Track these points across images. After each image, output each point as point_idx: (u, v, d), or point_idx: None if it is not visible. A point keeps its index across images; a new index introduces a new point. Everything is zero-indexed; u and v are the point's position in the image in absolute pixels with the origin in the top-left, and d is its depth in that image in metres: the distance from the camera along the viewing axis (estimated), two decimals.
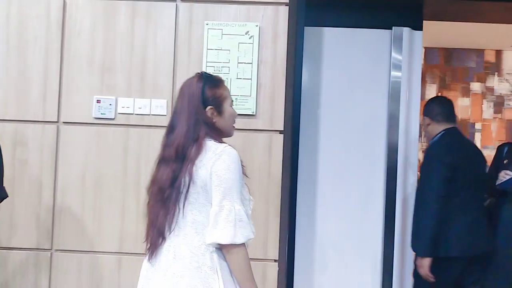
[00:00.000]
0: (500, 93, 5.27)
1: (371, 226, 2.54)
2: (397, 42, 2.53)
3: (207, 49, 1.88)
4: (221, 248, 1.20)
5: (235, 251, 1.19)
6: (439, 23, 3.01)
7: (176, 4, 1.92)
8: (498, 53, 5.29)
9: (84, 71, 1.94)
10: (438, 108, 2.19)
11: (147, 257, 1.29)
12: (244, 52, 1.87)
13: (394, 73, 2.54)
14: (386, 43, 2.56)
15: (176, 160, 1.22)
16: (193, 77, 1.31)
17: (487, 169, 2.19)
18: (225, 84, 1.37)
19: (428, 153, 2.13)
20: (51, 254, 1.92)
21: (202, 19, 1.90)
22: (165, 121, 1.89)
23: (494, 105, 5.26)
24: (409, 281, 2.50)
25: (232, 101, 1.40)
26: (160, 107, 1.90)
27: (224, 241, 1.16)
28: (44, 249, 1.92)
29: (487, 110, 5.26)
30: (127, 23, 1.93)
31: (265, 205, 1.87)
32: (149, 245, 1.28)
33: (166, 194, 1.22)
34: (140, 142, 1.91)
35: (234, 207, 1.18)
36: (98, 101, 1.92)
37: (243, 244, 1.19)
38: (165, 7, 1.93)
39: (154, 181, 1.30)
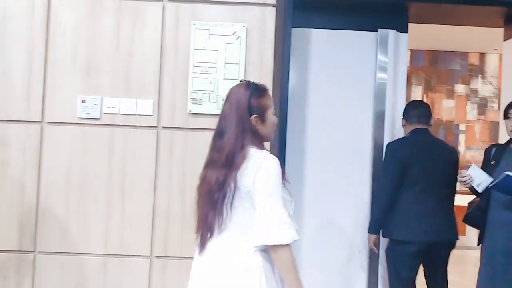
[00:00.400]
0: (484, 95, 5.39)
1: (358, 225, 2.57)
2: (382, 44, 2.56)
3: (194, 49, 1.87)
4: (267, 250, 1.27)
5: (281, 251, 1.26)
6: (425, 26, 3.06)
7: (163, 4, 1.91)
8: (482, 56, 5.41)
9: (68, 70, 1.92)
10: (412, 110, 2.35)
11: (197, 251, 1.39)
12: (231, 52, 1.87)
13: (379, 75, 2.57)
14: (372, 45, 2.58)
15: (225, 166, 1.31)
16: (240, 85, 1.40)
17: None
18: (269, 93, 1.44)
19: (386, 149, 2.34)
20: (34, 256, 1.89)
21: (189, 19, 1.89)
22: (152, 121, 1.89)
23: (478, 107, 5.38)
24: None
25: (274, 109, 1.47)
26: (146, 107, 1.88)
27: (271, 242, 1.24)
28: (27, 251, 1.89)
29: (471, 111, 5.37)
30: (113, 22, 1.92)
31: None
32: (200, 240, 1.37)
33: (216, 197, 1.31)
34: (126, 142, 1.89)
35: (278, 210, 1.26)
36: (83, 101, 1.90)
37: (288, 245, 1.26)
38: (152, 7, 1.91)
39: (203, 182, 1.39)
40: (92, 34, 1.92)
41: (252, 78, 1.87)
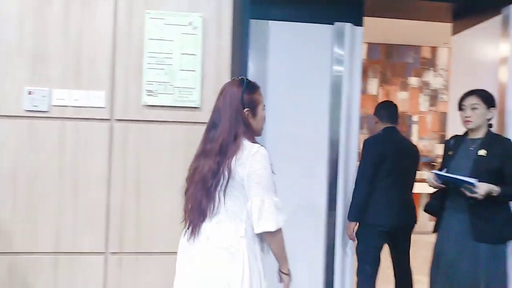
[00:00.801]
0: (435, 87, 5.65)
1: (315, 214, 2.63)
2: (339, 37, 2.61)
3: (149, 39, 1.81)
4: (254, 236, 1.41)
5: (277, 234, 1.42)
6: (380, 19, 3.14)
7: None
8: (433, 49, 5.65)
9: (13, 60, 1.80)
10: (384, 111, 2.63)
11: (186, 236, 1.49)
12: (187, 43, 1.83)
13: (336, 67, 2.62)
14: (329, 38, 2.63)
15: (218, 155, 1.40)
16: (234, 81, 1.52)
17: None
18: (260, 90, 1.54)
19: (364, 144, 2.56)
20: None
21: (143, 7, 1.83)
22: (104, 114, 1.82)
23: (430, 99, 5.64)
24: (350, 270, 2.63)
25: (264, 105, 1.56)
26: (98, 99, 1.81)
27: (272, 228, 1.37)
28: None
29: (423, 103, 5.62)
30: (62, 10, 1.81)
31: None
32: (190, 225, 1.47)
33: (209, 184, 1.41)
34: (77, 136, 1.81)
35: (273, 199, 1.40)
36: (30, 93, 1.79)
37: (280, 229, 1.41)
38: None
39: (195, 171, 1.47)
40: (39, 22, 1.81)
41: (209, 69, 1.86)
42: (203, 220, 1.44)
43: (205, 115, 1.84)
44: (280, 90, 2.61)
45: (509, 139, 2.13)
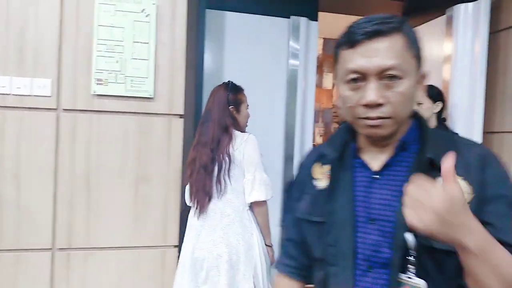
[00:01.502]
0: None
1: (271, 207, 2.66)
2: (294, 31, 2.64)
3: (98, 25, 1.73)
4: (251, 205, 1.79)
5: (264, 205, 1.79)
6: (336, 15, 3.22)
7: None
8: None
9: None
10: None
11: (195, 215, 1.79)
12: (140, 31, 1.77)
13: (291, 61, 2.65)
14: (285, 31, 2.65)
15: (212, 144, 1.76)
16: (221, 84, 1.92)
17: None
18: (244, 92, 1.95)
19: None
20: None
21: None
22: (50, 103, 1.72)
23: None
24: None
25: (248, 105, 1.95)
26: (43, 87, 1.70)
27: (261, 198, 1.76)
28: None
29: None
30: None
31: (164, 190, 1.82)
32: (197, 206, 1.78)
33: (210, 169, 1.75)
34: (20, 126, 1.70)
35: (262, 175, 1.78)
36: None
37: (266, 202, 1.79)
38: None
39: (195, 159, 1.79)
40: None
41: (163, 58, 1.81)
42: (209, 200, 1.75)
43: (159, 105, 1.80)
44: (238, 81, 2.61)
45: (457, 133, 2.28)
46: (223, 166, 1.73)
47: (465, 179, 0.76)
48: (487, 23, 2.39)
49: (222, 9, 2.54)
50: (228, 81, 1.92)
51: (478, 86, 2.39)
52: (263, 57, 2.63)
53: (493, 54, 2.61)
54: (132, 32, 1.76)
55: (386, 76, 0.74)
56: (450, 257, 0.73)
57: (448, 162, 0.64)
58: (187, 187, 1.85)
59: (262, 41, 2.63)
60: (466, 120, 2.41)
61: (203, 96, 2.43)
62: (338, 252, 0.82)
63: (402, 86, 0.75)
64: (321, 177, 0.90)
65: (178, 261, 1.84)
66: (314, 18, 2.71)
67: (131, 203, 1.80)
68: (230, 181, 1.75)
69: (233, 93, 1.86)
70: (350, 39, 0.76)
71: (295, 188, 0.97)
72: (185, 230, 1.81)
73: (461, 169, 0.76)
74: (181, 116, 1.84)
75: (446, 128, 2.30)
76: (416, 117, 0.86)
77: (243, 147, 1.74)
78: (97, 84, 1.74)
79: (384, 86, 0.75)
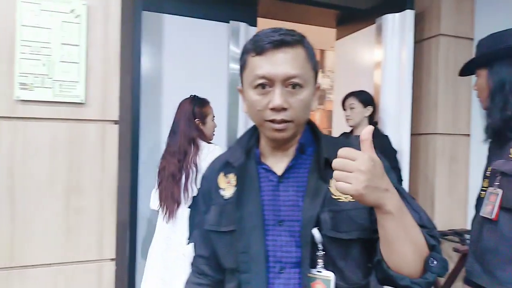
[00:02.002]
0: (323, 88, 6.13)
1: None
2: (234, 36, 2.65)
3: (21, 25, 1.60)
4: None
5: None
6: (275, 22, 3.28)
7: None
8: (322, 52, 6.11)
9: None
10: None
11: (164, 219, 1.92)
12: (69, 32, 1.66)
13: (232, 65, 2.66)
14: (225, 36, 2.65)
15: (179, 154, 1.89)
16: (187, 98, 2.03)
17: None
18: (210, 104, 2.08)
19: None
20: None
21: None
22: None
23: (318, 98, 6.10)
24: None
25: (214, 116, 2.10)
26: None
27: None
28: None
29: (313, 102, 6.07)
30: None
31: (99, 201, 1.73)
32: (166, 212, 1.90)
33: (178, 177, 1.88)
34: None
35: None
36: None
37: None
38: None
39: (164, 168, 1.93)
40: None
41: (96, 62, 1.71)
42: (178, 206, 1.87)
43: (91, 111, 1.71)
44: (176, 86, 2.55)
45: (387, 136, 2.42)
46: (190, 175, 1.87)
47: None
48: (412, 33, 2.58)
49: (159, 12, 2.48)
50: (194, 95, 2.07)
51: (405, 91, 2.57)
52: (203, 61, 2.61)
53: (418, 61, 2.82)
54: (60, 34, 1.64)
55: (290, 83, 0.81)
56: (353, 245, 0.83)
57: (365, 133, 0.72)
58: (154, 192, 2.01)
59: (202, 45, 2.61)
60: (395, 123, 2.57)
61: (141, 101, 2.35)
62: (250, 258, 0.84)
63: (303, 94, 0.83)
64: (227, 187, 0.92)
65: (115, 275, 1.75)
66: (253, 24, 2.74)
67: (62, 216, 1.68)
68: (197, 189, 1.88)
69: (198, 106, 2.01)
70: (258, 47, 0.82)
71: (201, 201, 0.98)
72: (123, 242, 1.73)
73: None
74: (116, 122, 1.75)
75: (377, 131, 2.44)
76: (308, 122, 0.94)
77: (210, 157, 1.83)
78: (21, 88, 1.60)
79: (287, 93, 0.82)
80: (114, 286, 1.76)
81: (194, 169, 1.87)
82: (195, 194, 1.86)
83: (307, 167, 0.88)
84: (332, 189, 0.84)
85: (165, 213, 1.90)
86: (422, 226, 0.80)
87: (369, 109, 2.38)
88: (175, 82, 2.54)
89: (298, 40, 0.84)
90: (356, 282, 0.84)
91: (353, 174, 0.68)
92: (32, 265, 1.64)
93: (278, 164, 0.90)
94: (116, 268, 1.77)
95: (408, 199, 0.85)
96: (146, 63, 2.46)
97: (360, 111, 2.40)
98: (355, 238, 0.82)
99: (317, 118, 6.04)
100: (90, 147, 1.71)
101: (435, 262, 0.77)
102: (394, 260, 0.76)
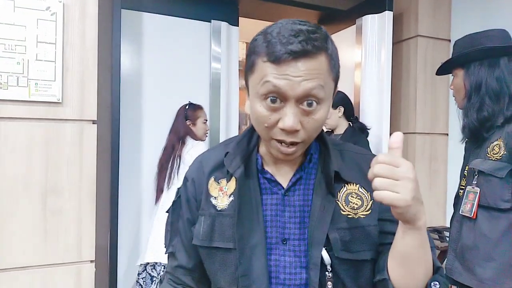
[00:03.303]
0: None
1: None
2: (216, 35, 2.64)
3: None
4: None
5: None
6: (256, 21, 3.28)
7: None
8: None
9: None
10: None
11: (156, 201, 2.35)
12: (45, 30, 1.63)
13: (214, 65, 2.65)
14: (206, 35, 2.64)
15: (169, 148, 2.33)
16: (184, 104, 2.41)
17: None
18: (203, 109, 2.46)
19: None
20: None
21: None
22: None
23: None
24: None
25: (206, 120, 2.47)
26: None
27: None
28: None
29: None
30: None
31: (77, 202, 1.69)
32: (156, 195, 2.33)
33: (164, 167, 2.31)
34: None
35: None
36: None
37: None
38: None
39: (160, 161, 2.35)
40: None
41: (73, 60, 1.68)
42: (161, 192, 2.29)
43: (68, 111, 1.68)
44: (157, 86, 2.53)
45: (363, 136, 2.44)
46: (174, 165, 2.25)
47: (362, 186, 0.77)
48: (391, 34, 2.62)
49: (139, 10, 2.45)
50: (189, 102, 2.42)
51: (385, 91, 2.61)
52: (185, 60, 2.59)
53: (397, 62, 2.86)
54: (35, 31, 1.61)
55: (305, 100, 0.68)
56: (365, 266, 0.74)
57: (395, 141, 0.64)
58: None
59: (183, 44, 2.59)
60: (375, 122, 2.61)
61: (121, 100, 2.32)
62: (252, 282, 0.74)
63: (319, 113, 0.70)
64: (219, 195, 0.80)
65: (94, 277, 1.72)
66: (235, 23, 2.74)
67: (40, 217, 1.65)
68: (178, 177, 2.24)
69: (191, 109, 2.39)
70: (272, 54, 0.67)
71: (185, 207, 0.85)
72: (103, 244, 1.69)
73: (359, 178, 0.77)
74: (94, 121, 1.73)
75: (360, 126, 2.45)
76: None
77: (193, 150, 2.21)
78: None
79: (302, 112, 0.69)
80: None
81: (178, 160, 2.24)
82: (176, 180, 2.21)
83: (313, 177, 0.78)
84: (341, 204, 0.76)
85: (156, 196, 2.33)
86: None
87: (341, 109, 2.40)
88: (156, 82, 2.52)
89: (322, 47, 0.68)
90: None
91: (401, 182, 0.60)
92: (9, 268, 1.60)
93: (283, 173, 0.79)
94: (96, 270, 1.74)
95: None
96: (126, 62, 2.43)
97: (332, 113, 2.43)
98: (366, 259, 0.74)
99: None
100: (68, 147, 1.67)
101: (437, 286, 0.70)
102: (404, 281, 0.70)
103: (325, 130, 2.67)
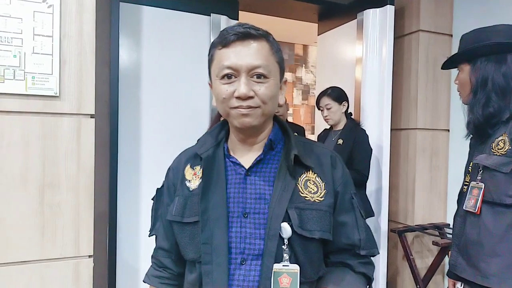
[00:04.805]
0: (307, 83, 6.14)
1: None
2: (215, 29, 2.61)
3: None
4: None
5: None
6: (257, 15, 3.26)
7: None
8: (305, 47, 6.11)
9: None
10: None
11: None
12: (41, 23, 1.60)
13: None
14: (206, 28, 2.61)
15: None
16: None
17: None
18: None
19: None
20: None
21: None
22: None
23: (302, 93, 6.11)
24: None
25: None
26: None
27: None
28: None
29: (297, 97, 6.06)
30: None
31: (74, 198, 1.68)
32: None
33: None
34: None
35: None
36: None
37: None
38: None
39: None
40: None
41: (70, 53, 1.66)
42: None
43: (66, 105, 1.66)
44: (156, 80, 2.51)
45: (363, 130, 2.43)
46: None
47: (318, 176, 0.90)
48: (392, 28, 2.60)
49: (138, 3, 2.43)
50: None
51: (386, 87, 2.59)
52: (184, 54, 2.57)
53: (398, 57, 2.84)
54: (32, 24, 1.59)
55: (254, 73, 0.84)
56: (314, 243, 0.86)
57: None
58: None
59: (182, 37, 2.57)
60: (376, 118, 2.59)
61: (119, 94, 2.30)
62: (212, 249, 0.84)
63: (268, 83, 0.85)
64: (193, 178, 0.93)
65: (93, 272, 1.71)
66: (234, 17, 2.71)
67: (37, 212, 1.64)
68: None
69: None
70: (224, 39, 0.85)
71: (165, 193, 0.99)
72: (102, 239, 1.68)
73: (316, 167, 0.90)
74: (92, 116, 1.71)
75: (355, 122, 2.45)
76: (277, 120, 0.97)
77: None
78: None
79: (252, 83, 0.84)
80: (92, 283, 1.72)
81: None
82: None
83: (276, 162, 0.90)
84: (300, 187, 0.87)
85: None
86: (358, 246, 0.91)
87: (345, 105, 2.38)
88: (154, 75, 2.50)
89: (262, 35, 0.87)
90: (311, 277, 0.87)
91: None
92: (6, 263, 1.59)
93: (246, 158, 0.91)
94: (95, 265, 1.74)
95: (357, 216, 0.93)
96: (124, 56, 2.41)
97: (337, 109, 2.41)
98: (314, 237, 0.85)
99: (302, 113, 6.05)
100: (65, 142, 1.66)
101: None
102: None
103: (327, 126, 2.66)
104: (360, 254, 0.92)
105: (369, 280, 0.94)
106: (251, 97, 0.84)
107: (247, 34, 0.85)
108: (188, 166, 0.95)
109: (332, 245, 0.92)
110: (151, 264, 1.02)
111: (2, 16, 1.55)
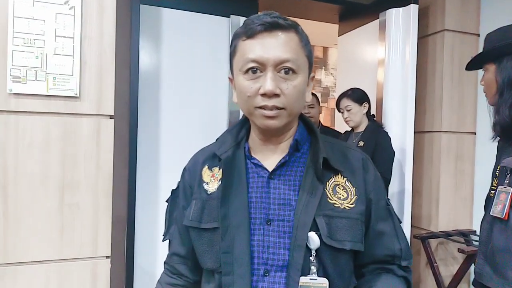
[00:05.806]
0: (326, 85, 6.07)
1: None
2: (235, 31, 2.60)
3: (14, 16, 1.56)
4: None
5: None
6: None
7: None
8: (325, 49, 6.05)
9: None
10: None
11: None
12: (63, 24, 1.62)
13: None
14: (225, 30, 2.60)
15: None
16: None
17: None
18: None
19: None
20: None
21: None
22: None
23: (322, 95, 6.04)
24: None
25: None
26: None
27: None
28: None
29: None
30: None
31: (93, 198, 1.69)
32: None
33: None
34: None
35: None
36: None
37: None
38: None
39: None
40: None
41: (90, 55, 1.67)
42: None
43: (86, 105, 1.67)
44: (176, 81, 2.51)
45: (386, 132, 2.36)
46: None
47: (348, 180, 0.82)
48: (416, 28, 2.52)
49: (158, 6, 2.44)
50: None
51: (409, 88, 2.52)
52: (203, 55, 2.56)
53: (422, 58, 2.76)
54: (54, 26, 1.61)
55: (282, 68, 0.76)
56: (343, 255, 0.79)
57: None
58: None
59: (202, 39, 2.56)
60: (399, 120, 2.52)
61: (139, 96, 2.31)
62: (234, 259, 0.77)
63: (296, 80, 0.77)
64: (211, 181, 0.85)
65: (110, 273, 1.71)
66: None
67: (56, 213, 1.65)
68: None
69: None
70: (249, 30, 0.77)
71: (181, 195, 0.91)
72: (119, 240, 1.68)
73: (345, 171, 0.82)
74: (111, 116, 1.71)
75: (377, 124, 2.39)
76: (302, 118, 0.89)
77: None
78: (14, 81, 1.57)
79: (280, 79, 0.76)
80: (109, 284, 1.73)
81: None
82: None
83: (301, 165, 0.82)
84: (328, 193, 0.79)
85: None
86: (399, 257, 0.84)
87: (366, 106, 2.33)
88: (174, 77, 2.50)
89: (292, 25, 0.79)
90: None
91: None
92: (25, 262, 1.61)
93: (270, 159, 0.84)
94: (112, 266, 1.74)
95: (396, 224, 0.85)
96: (144, 57, 2.43)
97: (358, 110, 2.35)
98: (345, 249, 0.78)
99: (321, 116, 5.99)
100: (85, 142, 1.67)
101: None
102: None
103: (348, 128, 2.60)
104: (401, 265, 0.85)
105: (409, 285, 0.86)
106: (277, 95, 0.76)
107: (275, 24, 0.76)
108: (206, 167, 0.88)
109: (367, 257, 0.84)
110: (163, 270, 0.96)
111: (25, 18, 1.57)
